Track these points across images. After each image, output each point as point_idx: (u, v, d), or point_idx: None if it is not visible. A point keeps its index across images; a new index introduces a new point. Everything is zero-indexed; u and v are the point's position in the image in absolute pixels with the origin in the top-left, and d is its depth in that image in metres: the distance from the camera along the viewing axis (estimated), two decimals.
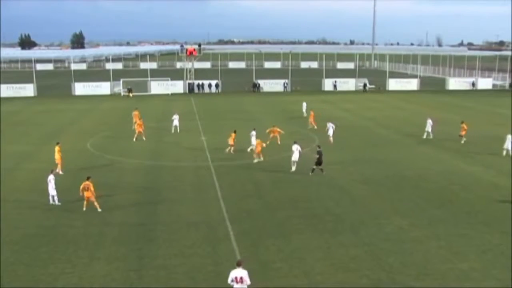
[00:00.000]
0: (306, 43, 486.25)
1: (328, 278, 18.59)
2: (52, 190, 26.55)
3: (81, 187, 25.69)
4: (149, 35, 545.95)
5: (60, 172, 32.10)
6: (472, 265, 19.72)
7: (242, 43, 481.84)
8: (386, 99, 76.11)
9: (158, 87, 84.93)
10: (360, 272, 19.01)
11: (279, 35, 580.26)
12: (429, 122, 44.80)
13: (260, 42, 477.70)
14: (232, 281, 15.60)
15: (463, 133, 43.10)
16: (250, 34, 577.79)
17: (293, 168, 33.02)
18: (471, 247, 21.47)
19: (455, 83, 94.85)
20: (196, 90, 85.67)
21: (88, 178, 25.93)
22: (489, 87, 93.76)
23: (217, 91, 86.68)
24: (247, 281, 15.58)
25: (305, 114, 56.65)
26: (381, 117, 57.42)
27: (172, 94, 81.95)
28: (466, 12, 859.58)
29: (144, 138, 43.53)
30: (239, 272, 15.55)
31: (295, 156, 32.85)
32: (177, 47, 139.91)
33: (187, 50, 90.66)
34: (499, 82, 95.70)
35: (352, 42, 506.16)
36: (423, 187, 30.26)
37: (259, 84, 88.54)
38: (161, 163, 35.95)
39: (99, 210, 25.49)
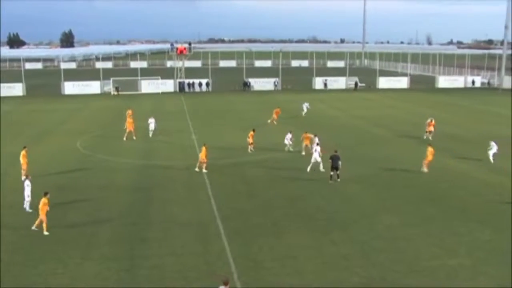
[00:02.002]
0: (297, 41, 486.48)
1: (319, 277, 18.66)
2: (27, 197, 25.40)
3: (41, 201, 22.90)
4: (140, 33, 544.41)
5: (22, 178, 29.18)
6: (462, 262, 19.85)
7: (233, 41, 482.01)
8: (376, 97, 76.34)
9: (148, 86, 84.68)
10: (351, 270, 19.08)
11: (270, 34, 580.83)
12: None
13: (250, 41, 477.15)
14: None
15: (431, 129, 43.71)
16: (241, 33, 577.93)
17: (308, 169, 33.05)
18: (461, 244, 21.62)
19: (444, 81, 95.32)
20: (186, 89, 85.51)
21: (45, 194, 23.14)
22: (478, 85, 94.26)
23: (207, 90, 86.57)
24: None
25: (303, 115, 56.67)
26: (371, 115, 57.59)
27: (163, 93, 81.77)
28: (456, 11, 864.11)
29: (134, 138, 43.40)
30: None
31: (315, 157, 32.81)
32: (168, 46, 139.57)
33: (177, 49, 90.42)
34: (486, 81, 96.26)
35: (342, 41, 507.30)
36: (414, 185, 30.41)
37: (249, 83, 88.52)
38: (152, 163, 35.88)
39: (46, 233, 22.63)
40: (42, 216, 22.59)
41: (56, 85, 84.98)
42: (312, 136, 36.73)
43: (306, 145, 37.22)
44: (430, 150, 33.18)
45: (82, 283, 18.29)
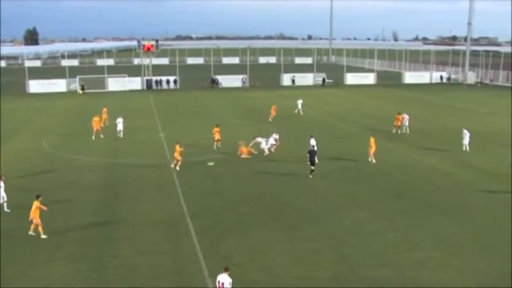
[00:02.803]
0: (264, 38, 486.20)
1: (289, 272, 18.73)
2: (2, 198, 25.13)
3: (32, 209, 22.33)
4: (106, 31, 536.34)
5: None
6: (429, 255, 20.19)
7: (200, 38, 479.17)
8: (344, 93, 76.98)
9: (115, 83, 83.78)
10: (321, 265, 19.22)
11: (237, 30, 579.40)
12: (406, 117, 45.45)
13: (218, 38, 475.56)
14: (217, 284, 15.46)
15: (398, 123, 44.73)
16: (208, 30, 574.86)
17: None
18: (428, 237, 21.97)
19: (411, 77, 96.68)
20: (154, 86, 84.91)
21: (37, 197, 22.58)
22: (444, 80, 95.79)
23: (175, 87, 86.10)
24: None
25: (301, 113, 55.38)
26: (339, 111, 58.06)
27: (130, 91, 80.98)
28: (421, 7, 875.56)
29: (102, 136, 42.89)
30: (224, 278, 15.39)
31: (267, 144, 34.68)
32: (135, 43, 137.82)
33: (144, 46, 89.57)
34: (452, 76, 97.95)
35: (310, 37, 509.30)
36: (382, 179, 30.79)
37: (217, 80, 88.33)
38: (120, 161, 35.53)
39: (43, 236, 22.07)
40: (36, 220, 21.95)
41: (20, 83, 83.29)
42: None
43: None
44: (372, 140, 34.49)
45: (49, 284, 18.00)
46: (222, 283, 15.31)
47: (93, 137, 42.71)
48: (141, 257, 20.13)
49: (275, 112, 51.95)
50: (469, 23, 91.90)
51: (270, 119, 50.92)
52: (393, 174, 31.87)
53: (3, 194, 25.23)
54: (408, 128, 44.91)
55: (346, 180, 30.76)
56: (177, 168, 32.75)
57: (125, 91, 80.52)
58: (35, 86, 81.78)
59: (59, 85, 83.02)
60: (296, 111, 55.45)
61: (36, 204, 22.09)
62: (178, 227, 23.27)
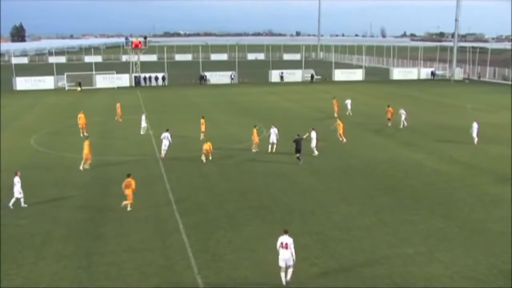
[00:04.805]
0: (253, 34, 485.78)
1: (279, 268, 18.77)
2: (17, 193, 25.28)
3: (123, 184, 25.11)
4: (93, 28, 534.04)
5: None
6: (417, 250, 20.34)
7: (189, 35, 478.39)
8: (332, 89, 77.00)
9: (103, 80, 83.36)
10: (310, 261, 19.30)
11: (226, 27, 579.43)
12: (403, 112, 45.77)
13: (206, 34, 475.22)
14: (280, 246, 17.56)
15: (389, 116, 45.77)
16: (196, 27, 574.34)
17: (316, 153, 35.23)
18: (416, 232, 22.13)
19: (399, 73, 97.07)
20: (142, 83, 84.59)
21: (128, 176, 25.34)
22: (430, 76, 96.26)
23: (163, 84, 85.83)
24: (292, 247, 17.43)
25: (351, 113, 52.73)
26: (327, 107, 58.08)
27: (118, 88, 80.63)
28: (408, 4, 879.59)
29: (86, 133, 42.50)
30: (286, 239, 17.52)
31: (313, 143, 35.20)
32: (122, 40, 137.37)
33: (132, 42, 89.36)
34: (440, 72, 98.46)
35: (298, 34, 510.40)
36: (370, 175, 30.93)
37: (206, 77, 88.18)
38: (108, 158, 35.40)
39: (129, 208, 24.79)
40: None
41: (7, 80, 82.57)
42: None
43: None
44: (338, 123, 40.09)
45: (37, 283, 17.91)
46: (286, 243, 17.43)
47: (81, 134, 42.47)
48: (130, 254, 20.09)
49: (337, 107, 51.85)
50: (456, 20, 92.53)
51: (335, 115, 49.95)
52: (381, 170, 32.01)
53: (20, 189, 25.31)
54: (404, 123, 45.29)
55: (334, 176, 30.87)
56: (209, 158, 34.22)
57: (113, 88, 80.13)
58: (22, 83, 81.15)
59: (46, 82, 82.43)
60: (347, 113, 52.66)
61: (129, 181, 25.07)
62: (167, 223, 23.25)
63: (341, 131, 39.40)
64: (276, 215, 24.30)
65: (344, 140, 38.97)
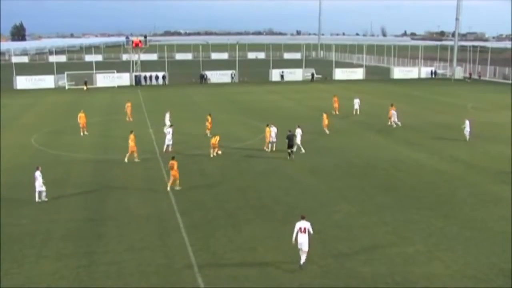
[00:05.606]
0: (253, 33, 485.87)
1: (279, 267, 18.79)
2: (39, 187, 25.91)
3: (169, 165, 27.65)
4: (94, 27, 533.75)
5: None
6: (418, 249, 20.34)
7: (189, 34, 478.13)
8: (332, 88, 76.98)
9: (104, 79, 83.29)
10: (310, 259, 19.24)
11: (226, 26, 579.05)
12: (393, 112, 45.77)
13: (207, 33, 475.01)
14: (298, 231, 18.36)
15: (390, 115, 45.74)
16: (197, 26, 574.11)
17: (303, 150, 35.50)
18: (416, 231, 22.13)
19: (399, 72, 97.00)
20: (143, 82, 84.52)
21: (173, 158, 27.96)
22: (434, 76, 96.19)
23: (164, 83, 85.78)
24: (311, 230, 18.51)
25: (358, 112, 52.50)
26: (328, 106, 58.05)
27: (119, 87, 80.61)
28: (409, 3, 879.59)
29: (85, 133, 42.51)
30: (303, 224, 18.44)
31: (298, 140, 35.38)
32: (123, 39, 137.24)
33: (133, 41, 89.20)
34: (440, 71, 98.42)
35: (298, 33, 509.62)
36: (370, 174, 30.92)
37: (206, 76, 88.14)
38: (109, 157, 35.38)
39: (178, 188, 27.45)
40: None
41: (7, 79, 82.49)
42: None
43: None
44: (324, 115, 42.26)
45: (38, 282, 17.92)
46: (304, 228, 18.34)
47: (81, 134, 42.49)
48: (131, 253, 20.10)
49: (337, 104, 53.12)
50: (457, 19, 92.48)
51: (335, 112, 51.68)
52: (382, 169, 32.00)
53: (41, 183, 25.87)
54: (393, 123, 45.21)
55: (334, 175, 30.86)
56: (219, 152, 35.16)
57: (113, 87, 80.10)
58: (23, 82, 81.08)
59: (47, 81, 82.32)
60: (354, 112, 52.67)
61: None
62: (167, 222, 23.25)
63: (326, 122, 41.75)
64: (276, 214, 24.29)
65: (327, 132, 41.43)
